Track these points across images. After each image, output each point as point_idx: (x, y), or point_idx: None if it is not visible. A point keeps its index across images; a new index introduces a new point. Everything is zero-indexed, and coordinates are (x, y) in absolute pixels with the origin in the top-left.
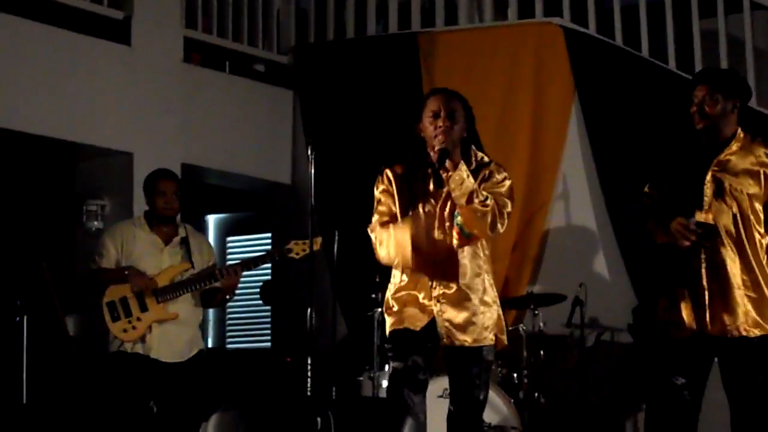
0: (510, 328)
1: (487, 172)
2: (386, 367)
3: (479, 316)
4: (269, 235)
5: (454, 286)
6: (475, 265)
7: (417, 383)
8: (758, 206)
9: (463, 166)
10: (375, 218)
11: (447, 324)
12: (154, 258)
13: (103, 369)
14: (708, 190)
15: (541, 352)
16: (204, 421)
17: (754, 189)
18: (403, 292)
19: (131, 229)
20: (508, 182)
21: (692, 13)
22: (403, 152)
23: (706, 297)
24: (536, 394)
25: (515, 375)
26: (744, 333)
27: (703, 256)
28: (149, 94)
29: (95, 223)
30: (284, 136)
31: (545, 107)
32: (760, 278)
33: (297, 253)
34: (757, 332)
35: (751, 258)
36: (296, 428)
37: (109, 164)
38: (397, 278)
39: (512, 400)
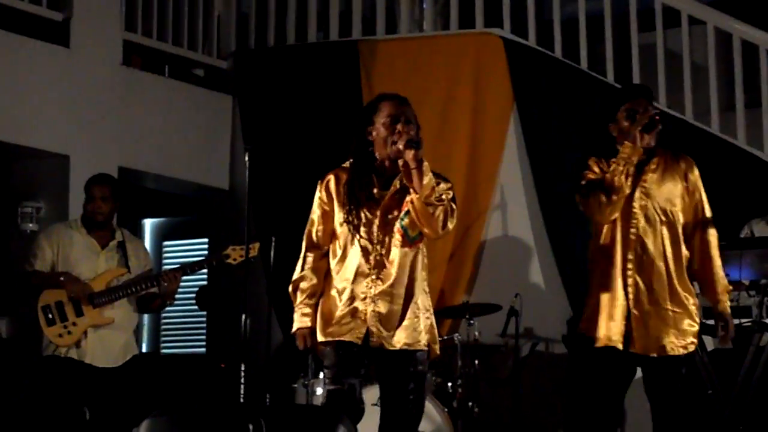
0: (445, 338)
1: (437, 180)
2: (320, 375)
3: (414, 320)
4: (206, 240)
5: (391, 290)
6: (413, 270)
7: (353, 407)
8: (681, 221)
9: (426, 164)
10: (306, 236)
11: (380, 327)
12: (90, 262)
13: (36, 373)
14: (636, 205)
15: (476, 362)
16: (135, 426)
17: (679, 204)
18: (338, 296)
19: (67, 232)
20: (451, 191)
21: (631, 26)
22: (347, 155)
23: (631, 312)
24: (470, 404)
25: (449, 384)
26: (670, 352)
27: (629, 270)
28: (87, 96)
29: (30, 225)
30: (223, 141)
31: (484, 117)
32: (683, 295)
33: (234, 259)
34: (681, 351)
35: (675, 274)
36: None
37: (46, 166)
38: (333, 281)
39: (446, 410)
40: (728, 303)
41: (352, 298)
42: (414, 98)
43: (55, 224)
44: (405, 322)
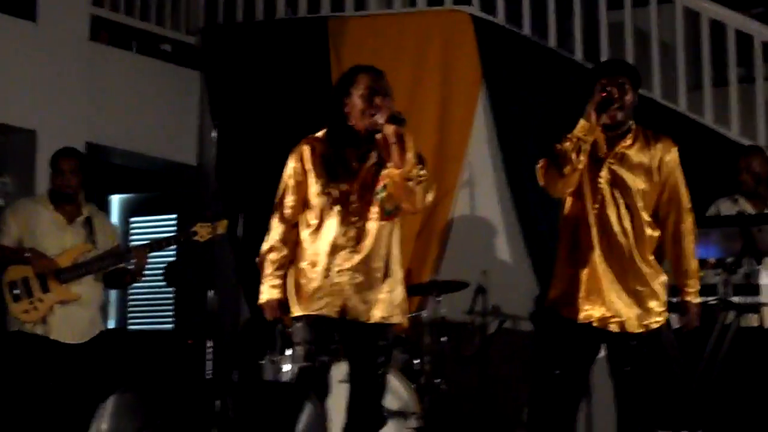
0: (412, 315)
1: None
2: (287, 351)
3: (390, 294)
4: (173, 216)
5: (368, 263)
6: (389, 243)
7: (322, 385)
8: (650, 201)
9: (411, 139)
10: (276, 207)
11: (357, 300)
12: (56, 237)
13: (2, 350)
14: (603, 182)
15: (443, 339)
16: (101, 402)
17: (646, 185)
18: (312, 268)
19: (34, 207)
20: (423, 167)
21: (600, 4)
22: (319, 127)
23: (600, 288)
24: (437, 381)
25: (416, 361)
26: (629, 329)
27: (594, 245)
28: (54, 71)
29: None
30: (191, 117)
31: (452, 95)
32: (647, 272)
33: (202, 236)
34: (641, 329)
35: (637, 253)
36: (195, 411)
37: (12, 141)
38: (306, 252)
39: (413, 386)
40: (693, 291)
41: (328, 270)
42: None
43: (21, 199)
44: (382, 296)
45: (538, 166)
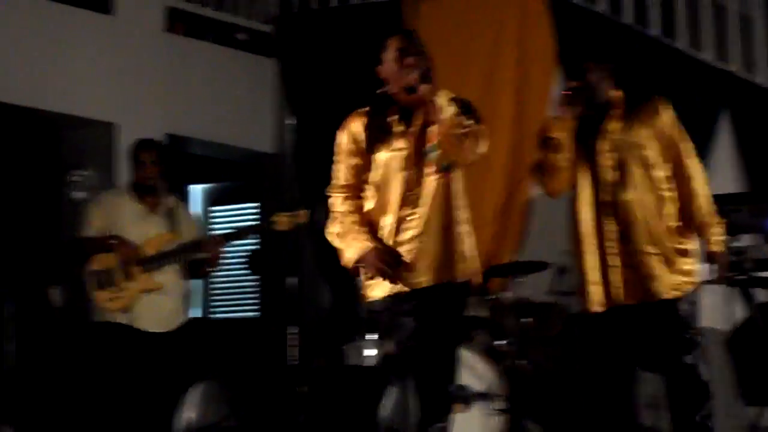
0: (494, 297)
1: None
2: (369, 336)
3: (456, 252)
4: (254, 204)
5: (429, 224)
6: (451, 199)
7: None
8: (658, 164)
9: (444, 95)
10: (333, 181)
11: (422, 264)
12: (139, 227)
13: (89, 339)
14: (607, 160)
15: (526, 320)
16: (187, 391)
17: (649, 149)
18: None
19: (116, 199)
20: (473, 118)
21: None
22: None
23: (613, 265)
24: (521, 362)
25: (500, 342)
26: (662, 296)
27: (607, 224)
28: (131, 63)
29: (79, 193)
30: (267, 106)
31: (528, 74)
32: (668, 237)
33: (282, 225)
34: (673, 293)
35: (654, 221)
36: (280, 399)
37: (92, 134)
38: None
39: (497, 368)
40: (718, 241)
41: (395, 243)
42: (458, 57)
43: (104, 192)
44: (456, 255)
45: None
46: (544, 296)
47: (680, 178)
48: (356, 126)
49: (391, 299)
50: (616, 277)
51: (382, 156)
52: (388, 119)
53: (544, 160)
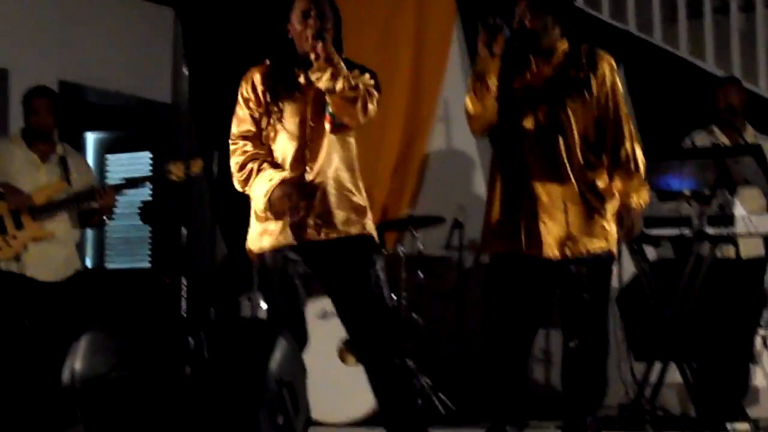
0: (389, 251)
1: (355, 71)
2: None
3: (347, 208)
4: (149, 153)
5: (323, 179)
6: (345, 158)
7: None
8: (584, 120)
9: (334, 53)
10: (233, 130)
11: (314, 218)
12: (30, 175)
13: None
14: (526, 105)
15: (420, 274)
16: (76, 340)
17: (577, 103)
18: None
19: (7, 146)
20: (373, 80)
21: None
22: (269, 52)
23: (533, 217)
24: (414, 316)
25: (393, 297)
26: (571, 255)
27: (527, 174)
28: (26, 9)
29: None
30: (164, 54)
31: (426, 31)
32: (587, 196)
33: (176, 175)
34: (584, 253)
35: (574, 176)
36: (169, 348)
37: None
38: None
39: None
40: (634, 199)
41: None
42: (356, 10)
43: None
44: (338, 211)
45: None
46: (439, 251)
47: (613, 138)
48: (257, 77)
49: (280, 252)
50: (534, 226)
51: (283, 107)
52: (293, 73)
53: (473, 97)
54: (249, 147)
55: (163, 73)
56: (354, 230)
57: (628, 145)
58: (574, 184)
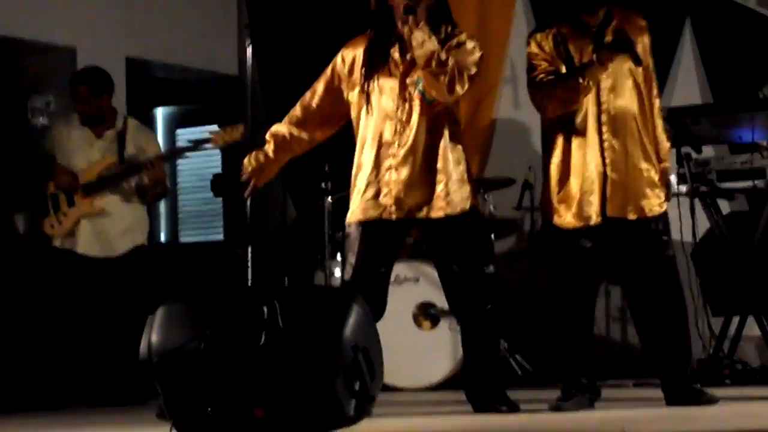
0: None
1: (456, 40)
2: (338, 256)
3: (445, 186)
4: (217, 126)
5: (415, 157)
6: (438, 135)
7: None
8: (643, 78)
9: (425, 27)
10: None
11: (407, 195)
12: (84, 153)
13: (40, 266)
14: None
15: (492, 236)
16: (151, 314)
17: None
18: (360, 171)
19: (66, 126)
20: (477, 52)
21: None
22: (367, 24)
23: (609, 177)
24: None
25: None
26: (649, 213)
27: (605, 134)
28: None
29: (41, 119)
30: (230, 27)
31: None
32: (653, 152)
33: (217, 142)
34: (658, 210)
35: (644, 133)
36: (244, 318)
37: (53, 59)
38: (362, 157)
39: None
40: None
41: (377, 170)
42: None
43: (58, 119)
44: (438, 189)
45: (530, 91)
46: (510, 212)
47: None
48: (358, 46)
49: (362, 225)
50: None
51: (376, 83)
52: (390, 48)
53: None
54: (292, 113)
55: (229, 46)
56: (462, 206)
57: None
58: (639, 146)
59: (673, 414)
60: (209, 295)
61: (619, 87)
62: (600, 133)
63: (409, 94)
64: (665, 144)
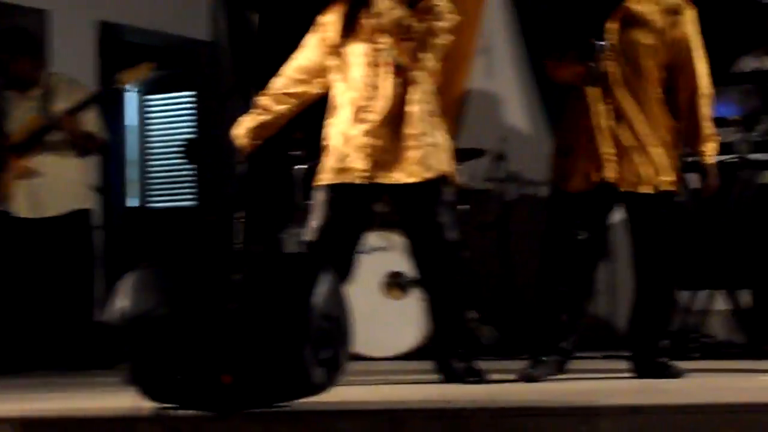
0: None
1: (427, 4)
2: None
3: (417, 150)
4: (190, 93)
5: (388, 121)
6: (410, 100)
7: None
8: (663, 57)
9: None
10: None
11: (381, 160)
12: (14, 113)
13: None
14: (611, 37)
15: (463, 206)
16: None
17: (657, 41)
18: (333, 131)
19: (9, 94)
20: (449, 17)
21: None
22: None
23: (611, 147)
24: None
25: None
26: (659, 187)
27: (609, 106)
28: None
29: None
30: None
31: None
32: (665, 129)
33: (123, 81)
34: (667, 186)
35: (656, 110)
36: (213, 285)
37: (24, 22)
38: (333, 122)
39: None
40: (711, 154)
41: (348, 133)
42: None
43: None
44: (410, 153)
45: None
46: (482, 183)
47: (687, 84)
48: (332, 15)
49: (331, 188)
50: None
51: (348, 49)
52: (361, 12)
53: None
54: (284, 76)
55: (203, 11)
56: (433, 172)
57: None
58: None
59: (643, 386)
60: (179, 261)
61: (631, 61)
62: (607, 107)
63: (382, 60)
64: (707, 131)
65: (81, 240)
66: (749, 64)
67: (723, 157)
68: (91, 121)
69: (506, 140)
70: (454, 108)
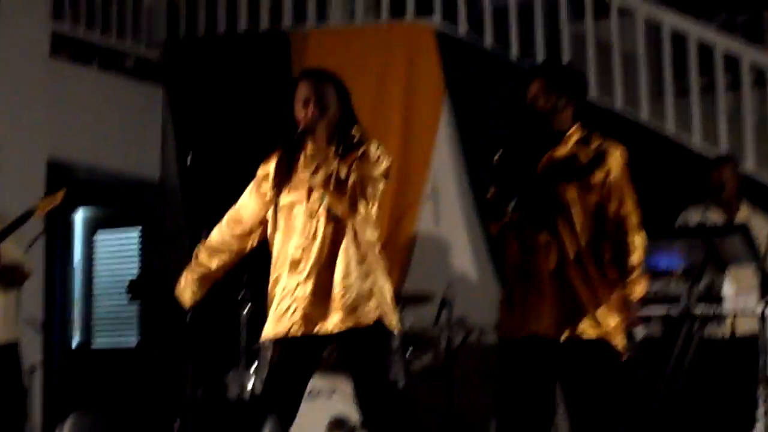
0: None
1: (361, 150)
2: (252, 368)
3: (345, 298)
4: (138, 229)
5: (321, 271)
6: (346, 247)
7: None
8: (594, 209)
9: (324, 146)
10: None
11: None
12: None
13: None
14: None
15: (408, 352)
16: (60, 422)
17: (591, 192)
18: (273, 286)
19: None
20: (384, 161)
21: (561, 16)
22: (277, 142)
23: (548, 297)
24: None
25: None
26: (584, 336)
27: (548, 261)
28: (15, 88)
29: None
30: (153, 132)
31: (415, 107)
32: (600, 283)
33: (42, 208)
34: (595, 335)
35: (589, 264)
36: (155, 430)
37: None
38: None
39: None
40: (636, 294)
41: (286, 286)
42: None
43: None
44: (339, 302)
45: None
46: (427, 328)
47: (619, 233)
48: (273, 161)
49: (273, 342)
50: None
51: (284, 200)
52: (298, 160)
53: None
54: (214, 233)
55: (153, 151)
56: (364, 319)
57: (634, 248)
58: (575, 269)
59: None
60: (120, 405)
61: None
62: (545, 262)
63: (317, 210)
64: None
65: (9, 375)
66: (693, 217)
67: (667, 310)
68: (11, 252)
69: (452, 286)
70: (401, 252)
